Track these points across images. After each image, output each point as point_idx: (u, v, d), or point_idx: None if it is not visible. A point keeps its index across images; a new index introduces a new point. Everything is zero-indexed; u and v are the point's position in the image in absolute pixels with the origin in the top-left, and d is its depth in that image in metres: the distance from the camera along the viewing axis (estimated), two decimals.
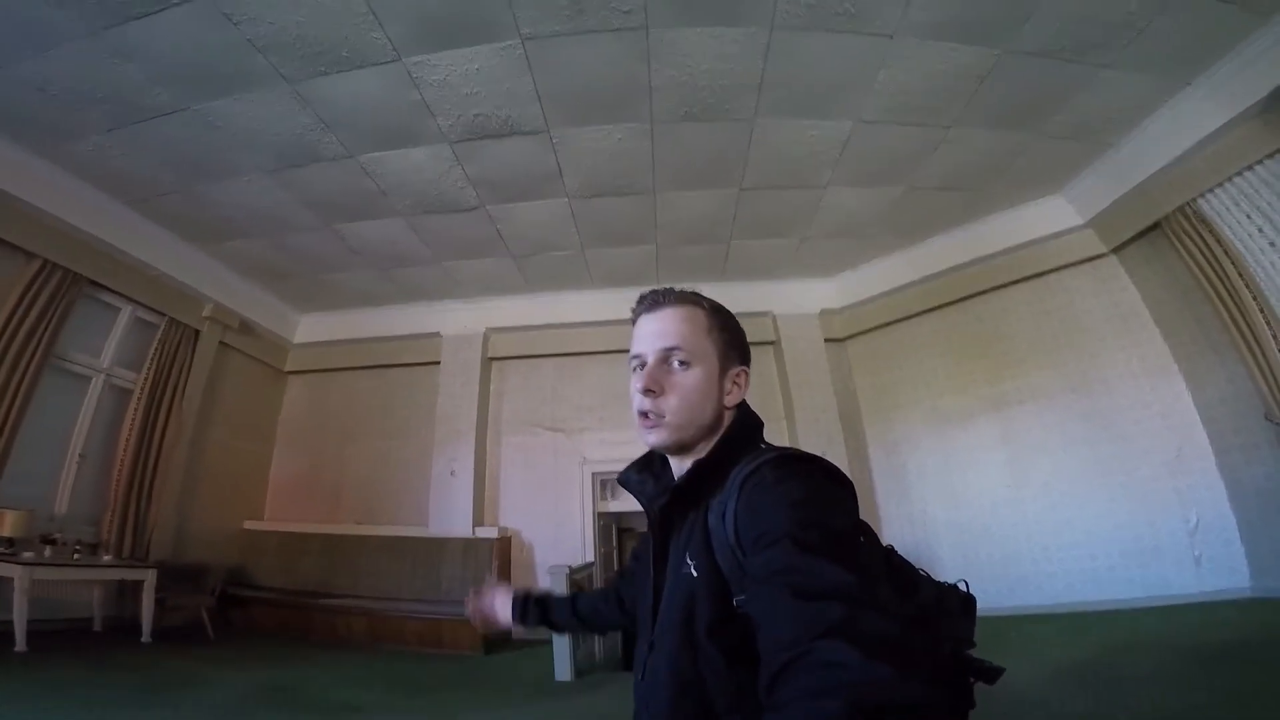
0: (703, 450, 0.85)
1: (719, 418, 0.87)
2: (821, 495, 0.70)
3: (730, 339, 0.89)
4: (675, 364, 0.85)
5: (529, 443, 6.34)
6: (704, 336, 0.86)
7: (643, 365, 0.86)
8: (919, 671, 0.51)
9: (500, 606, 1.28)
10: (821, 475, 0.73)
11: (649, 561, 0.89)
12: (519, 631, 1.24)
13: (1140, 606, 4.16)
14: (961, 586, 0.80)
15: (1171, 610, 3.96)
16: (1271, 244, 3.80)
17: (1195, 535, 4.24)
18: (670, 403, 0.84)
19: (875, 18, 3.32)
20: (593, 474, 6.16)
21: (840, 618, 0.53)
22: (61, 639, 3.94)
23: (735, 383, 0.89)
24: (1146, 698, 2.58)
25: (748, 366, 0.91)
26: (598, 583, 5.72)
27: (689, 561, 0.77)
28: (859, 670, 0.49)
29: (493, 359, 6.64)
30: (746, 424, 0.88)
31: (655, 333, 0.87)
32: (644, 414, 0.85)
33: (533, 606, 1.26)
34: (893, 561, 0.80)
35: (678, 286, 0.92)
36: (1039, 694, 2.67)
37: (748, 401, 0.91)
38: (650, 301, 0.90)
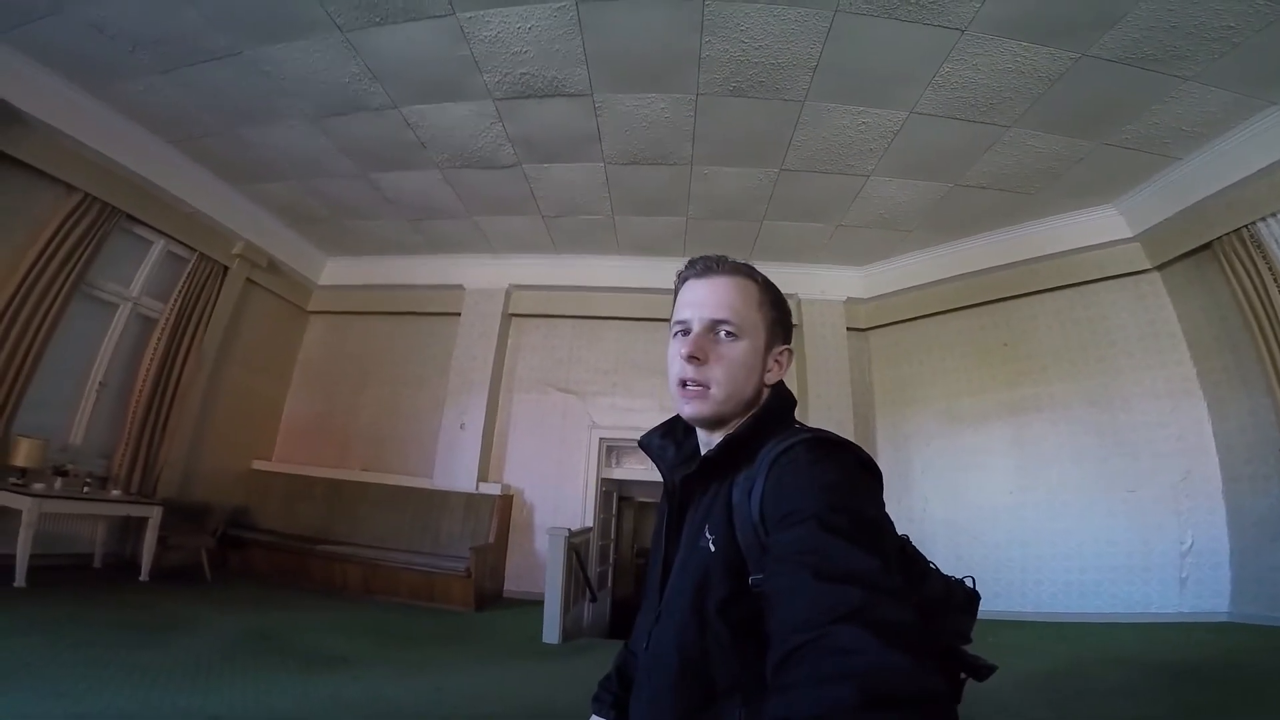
0: (734, 425, 0.82)
1: (757, 395, 0.84)
2: (853, 481, 0.68)
3: (779, 316, 0.87)
4: (722, 334, 0.82)
5: (540, 402, 6.39)
6: (755, 310, 0.84)
7: (687, 332, 0.83)
8: (934, 663, 0.50)
9: None
10: (854, 461, 0.71)
11: (662, 530, 0.88)
12: None
13: (1120, 622, 4.25)
14: (968, 582, 0.80)
15: (1149, 628, 4.04)
16: None
17: (1186, 558, 4.28)
18: (715, 373, 0.81)
19: (948, 10, 3.17)
20: (600, 439, 6.21)
21: (860, 603, 0.52)
22: (61, 575, 3.97)
23: (777, 361, 0.86)
24: (1108, 710, 2.66)
25: (790, 347, 0.89)
26: (594, 548, 5.86)
27: (707, 535, 0.76)
28: (875, 658, 0.47)
29: (513, 315, 6.65)
30: (781, 402, 0.86)
31: (705, 301, 0.83)
32: (684, 383, 0.82)
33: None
34: (906, 551, 0.79)
35: (731, 256, 0.88)
36: (1004, 700, 2.72)
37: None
38: (702, 267, 0.86)
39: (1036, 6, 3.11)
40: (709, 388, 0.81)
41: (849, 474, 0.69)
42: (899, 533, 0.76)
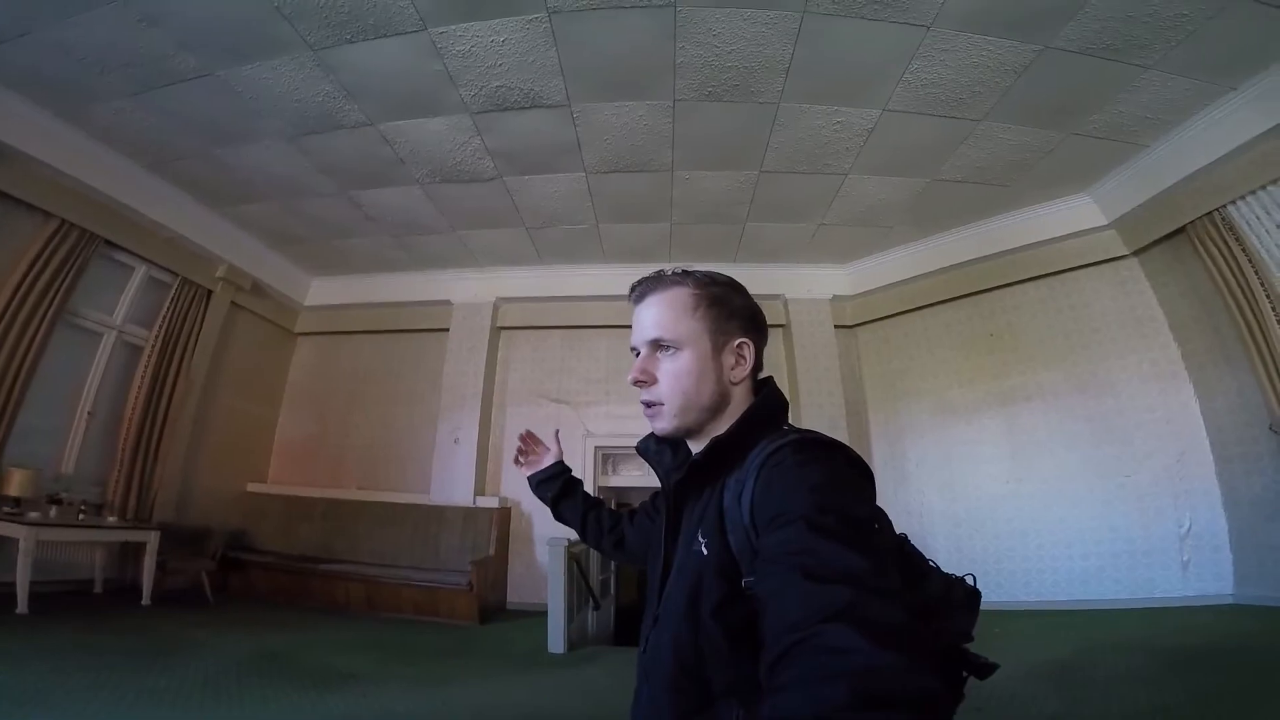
0: (719, 428, 0.83)
1: (723, 396, 0.84)
2: (841, 481, 0.69)
3: (723, 312, 0.86)
4: (664, 352, 0.84)
5: (533, 413, 6.35)
6: (688, 317, 0.84)
7: (638, 356, 0.87)
8: (927, 663, 0.50)
9: (543, 460, 1.35)
10: (843, 461, 0.72)
11: (661, 534, 0.89)
12: (533, 487, 1.36)
13: (1124, 608, 4.24)
14: (968, 580, 0.79)
15: (1154, 613, 4.03)
16: None
17: (1186, 540, 4.29)
18: (662, 390, 0.84)
19: (912, 7, 3.23)
20: (595, 447, 6.20)
21: (850, 603, 0.52)
22: (62, 602, 3.95)
23: (739, 355, 0.86)
24: (1118, 697, 2.63)
25: (752, 337, 0.87)
26: (595, 556, 5.84)
27: (700, 539, 0.77)
28: (866, 658, 0.47)
29: (501, 328, 6.65)
30: (770, 404, 0.85)
31: (642, 324, 0.87)
32: (645, 403, 0.86)
33: (557, 483, 1.32)
34: (904, 550, 0.79)
35: (669, 269, 0.89)
36: (1013, 690, 2.70)
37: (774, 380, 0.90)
38: (639, 292, 0.89)
39: (997, 0, 3.16)
40: (662, 404, 0.84)
41: (837, 474, 0.69)
42: (897, 531, 0.76)
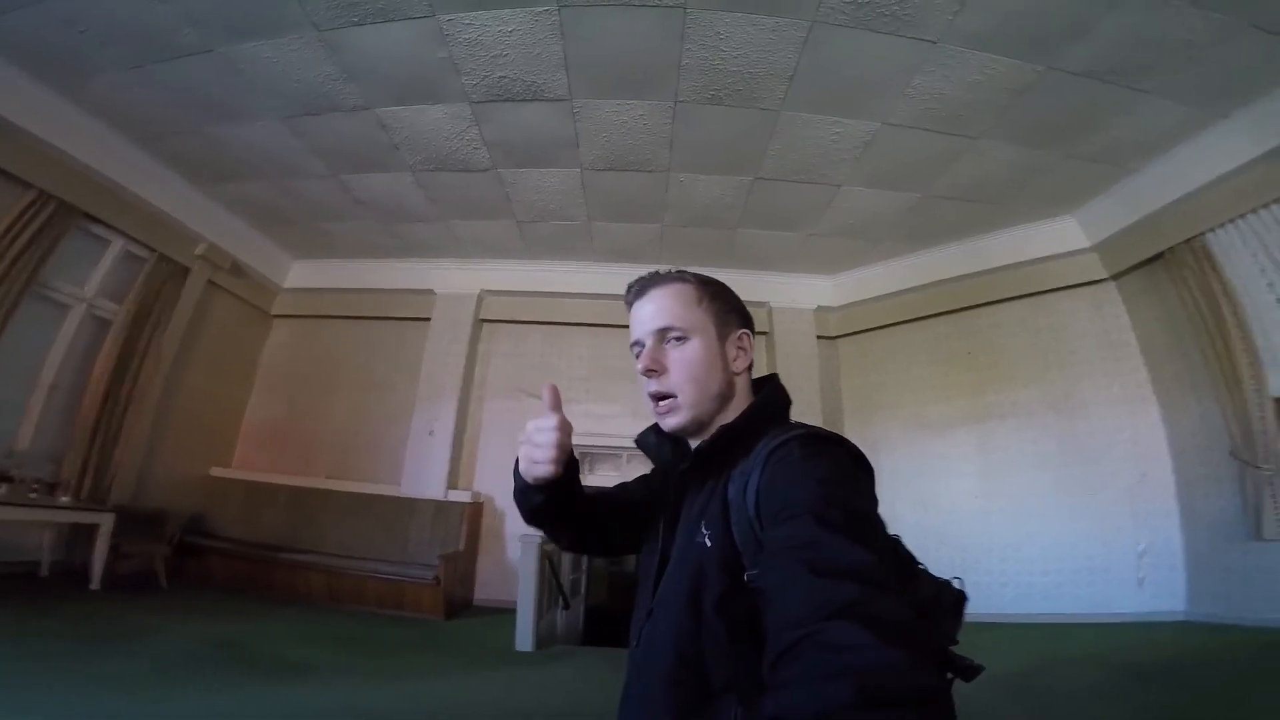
0: (725, 420, 0.84)
1: (730, 385, 0.86)
2: (846, 476, 0.69)
3: (724, 305, 0.89)
4: (672, 341, 0.85)
5: (511, 408, 6.28)
6: (694, 308, 0.86)
7: (642, 350, 0.87)
8: (931, 660, 0.50)
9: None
10: (847, 457, 0.73)
11: (659, 527, 0.88)
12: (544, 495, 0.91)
13: (1081, 622, 4.34)
14: (955, 584, 0.80)
15: (1110, 628, 4.14)
16: (1270, 285, 3.90)
17: (1143, 559, 4.41)
18: (676, 379, 0.84)
19: (921, 22, 3.27)
20: (573, 446, 6.16)
21: (854, 598, 0.51)
22: (5, 584, 3.81)
23: (740, 347, 0.88)
24: (1076, 710, 2.70)
25: (750, 329, 0.91)
26: (565, 556, 5.77)
27: (704, 531, 0.76)
28: (871, 655, 0.47)
29: (484, 320, 6.57)
30: (778, 398, 0.87)
31: (648, 315, 0.87)
32: (656, 398, 0.85)
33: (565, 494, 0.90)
34: (898, 551, 0.79)
35: (663, 269, 0.92)
36: (974, 701, 2.77)
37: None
38: (638, 288, 0.91)
39: (1008, 19, 3.22)
40: (677, 396, 0.84)
41: (842, 469, 0.70)
42: (891, 533, 0.76)
